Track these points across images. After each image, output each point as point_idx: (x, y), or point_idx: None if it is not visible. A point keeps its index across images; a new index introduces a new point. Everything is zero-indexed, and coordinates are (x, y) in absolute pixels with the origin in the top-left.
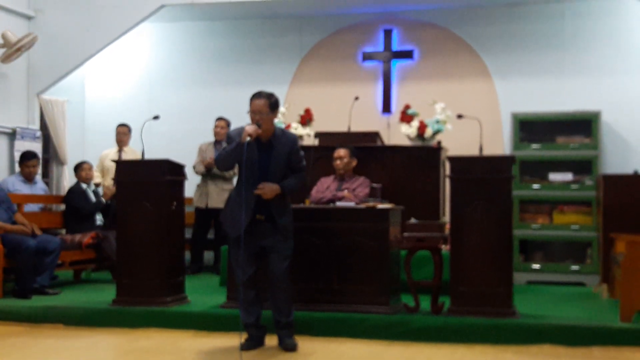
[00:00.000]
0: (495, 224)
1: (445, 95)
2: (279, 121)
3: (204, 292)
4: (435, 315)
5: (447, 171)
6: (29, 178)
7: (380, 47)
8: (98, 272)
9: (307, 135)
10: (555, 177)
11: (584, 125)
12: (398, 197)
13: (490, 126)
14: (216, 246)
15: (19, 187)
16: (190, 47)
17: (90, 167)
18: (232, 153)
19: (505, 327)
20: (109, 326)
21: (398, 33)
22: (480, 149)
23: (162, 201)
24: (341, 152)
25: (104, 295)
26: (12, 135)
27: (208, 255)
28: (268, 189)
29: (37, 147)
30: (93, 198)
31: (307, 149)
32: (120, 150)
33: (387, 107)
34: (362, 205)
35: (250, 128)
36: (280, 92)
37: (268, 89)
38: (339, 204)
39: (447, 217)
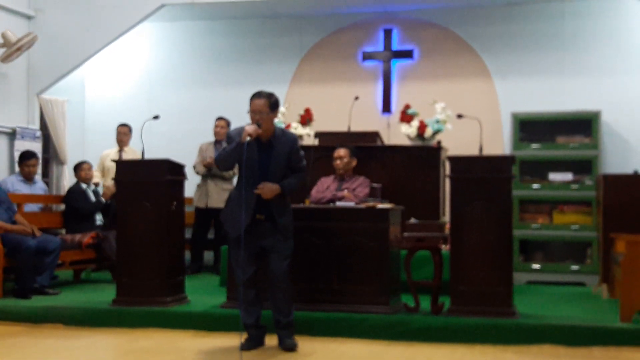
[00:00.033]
0: (495, 224)
1: (445, 95)
2: (279, 121)
3: (204, 292)
4: (435, 315)
5: (447, 171)
6: (28, 178)
7: (380, 46)
8: (98, 272)
9: (307, 135)
10: (555, 177)
11: (584, 125)
12: (398, 197)
13: (490, 126)
14: (216, 246)
15: (19, 187)
16: (190, 47)
17: (90, 167)
18: (232, 153)
19: (505, 327)
20: (109, 326)
21: (398, 33)
22: (480, 149)
23: (162, 201)
24: (341, 152)
25: (104, 295)
26: (12, 135)
27: (208, 255)
28: (268, 189)
29: (37, 147)
30: (93, 198)
31: (307, 148)
32: (120, 150)
33: (387, 107)
34: (362, 205)
35: (250, 128)
36: (280, 92)
37: (268, 88)
38: (339, 204)
39: (447, 217)
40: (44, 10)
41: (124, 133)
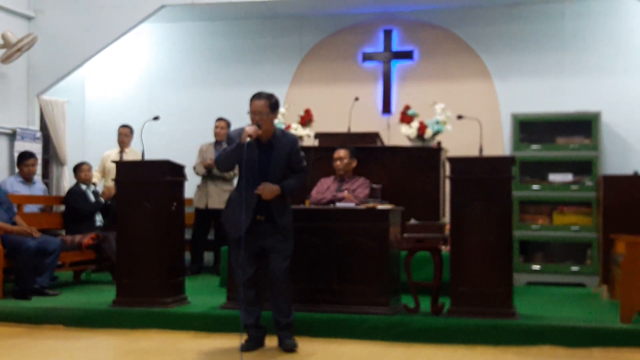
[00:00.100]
0: (495, 225)
1: (445, 95)
2: (279, 122)
3: (204, 293)
4: (436, 316)
5: (447, 172)
6: (27, 178)
7: (380, 47)
8: (98, 273)
9: (307, 136)
10: (555, 177)
11: (584, 125)
12: (398, 197)
13: (490, 127)
14: (216, 247)
15: (18, 188)
16: (190, 47)
17: (90, 168)
18: (232, 154)
19: (506, 327)
20: (109, 327)
21: (398, 33)
22: (480, 150)
23: (162, 202)
24: (341, 152)
25: (104, 296)
26: (12, 136)
27: (208, 256)
28: (268, 190)
29: (37, 147)
30: (92, 198)
31: (307, 149)
32: (121, 151)
33: (387, 108)
34: (362, 206)
35: (250, 129)
36: (280, 93)
37: (268, 89)
38: (339, 204)
39: (447, 218)
40: (43, 11)
41: (125, 134)
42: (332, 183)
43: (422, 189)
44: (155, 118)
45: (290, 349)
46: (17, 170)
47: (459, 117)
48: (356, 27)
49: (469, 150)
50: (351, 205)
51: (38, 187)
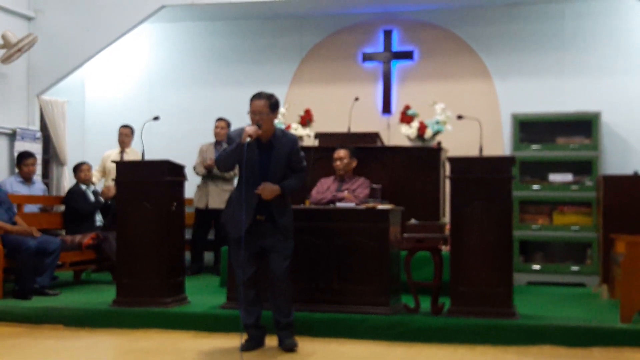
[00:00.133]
0: (495, 225)
1: (446, 95)
2: (279, 122)
3: (204, 293)
4: (436, 316)
5: (447, 172)
6: (27, 178)
7: (380, 47)
8: (98, 273)
9: (307, 136)
10: (555, 177)
11: (584, 125)
12: (398, 197)
13: (490, 127)
14: (216, 247)
15: (17, 188)
16: (190, 47)
17: (89, 168)
18: (233, 154)
19: (506, 327)
20: (109, 327)
21: (398, 33)
22: (480, 150)
23: (162, 202)
24: (341, 152)
25: (104, 295)
26: (12, 136)
27: (208, 256)
28: (268, 190)
29: (37, 147)
30: (92, 198)
31: (307, 149)
32: (122, 152)
33: (387, 108)
34: (362, 206)
35: (251, 129)
36: (280, 93)
37: (268, 89)
38: (339, 204)
39: (447, 218)
40: (43, 11)
41: (125, 134)
42: (332, 183)
43: (422, 189)
44: (156, 118)
45: (291, 348)
46: (16, 170)
47: (459, 117)
48: (356, 27)
49: (469, 150)
50: (351, 205)
51: (38, 187)
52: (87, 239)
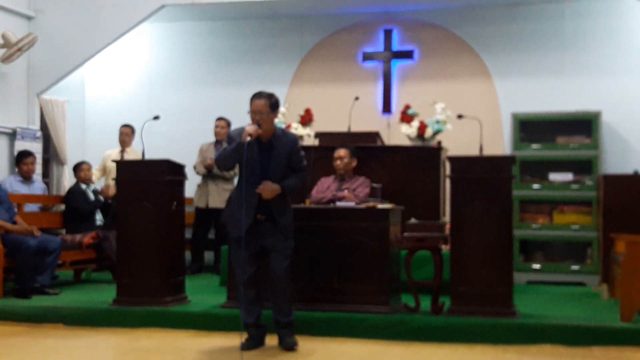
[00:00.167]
0: (496, 224)
1: (446, 95)
2: (279, 121)
3: (204, 292)
4: (436, 315)
5: (448, 171)
6: (26, 177)
7: (380, 47)
8: (98, 272)
9: (307, 136)
10: (555, 177)
11: (584, 125)
12: (398, 197)
13: (491, 126)
14: (216, 246)
15: (17, 187)
16: (190, 47)
17: (89, 168)
18: (233, 153)
19: (506, 327)
20: (109, 326)
21: (398, 33)
22: (481, 149)
23: (162, 201)
24: (341, 152)
25: (104, 295)
26: (12, 135)
27: (208, 256)
28: (268, 189)
29: (37, 147)
30: (92, 198)
31: (307, 149)
32: (123, 151)
33: (387, 107)
34: (363, 206)
35: (251, 128)
36: (280, 92)
37: (268, 89)
38: (339, 204)
39: (447, 217)
40: (43, 11)
41: (126, 134)
42: (333, 182)
43: (422, 188)
44: (156, 118)
45: (291, 347)
46: (16, 169)
47: (459, 116)
48: (356, 27)
49: (469, 149)
50: (351, 204)
51: (37, 186)
52: (87, 238)
